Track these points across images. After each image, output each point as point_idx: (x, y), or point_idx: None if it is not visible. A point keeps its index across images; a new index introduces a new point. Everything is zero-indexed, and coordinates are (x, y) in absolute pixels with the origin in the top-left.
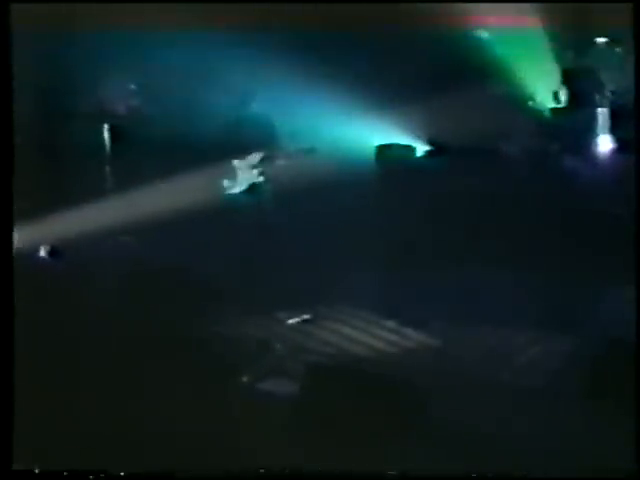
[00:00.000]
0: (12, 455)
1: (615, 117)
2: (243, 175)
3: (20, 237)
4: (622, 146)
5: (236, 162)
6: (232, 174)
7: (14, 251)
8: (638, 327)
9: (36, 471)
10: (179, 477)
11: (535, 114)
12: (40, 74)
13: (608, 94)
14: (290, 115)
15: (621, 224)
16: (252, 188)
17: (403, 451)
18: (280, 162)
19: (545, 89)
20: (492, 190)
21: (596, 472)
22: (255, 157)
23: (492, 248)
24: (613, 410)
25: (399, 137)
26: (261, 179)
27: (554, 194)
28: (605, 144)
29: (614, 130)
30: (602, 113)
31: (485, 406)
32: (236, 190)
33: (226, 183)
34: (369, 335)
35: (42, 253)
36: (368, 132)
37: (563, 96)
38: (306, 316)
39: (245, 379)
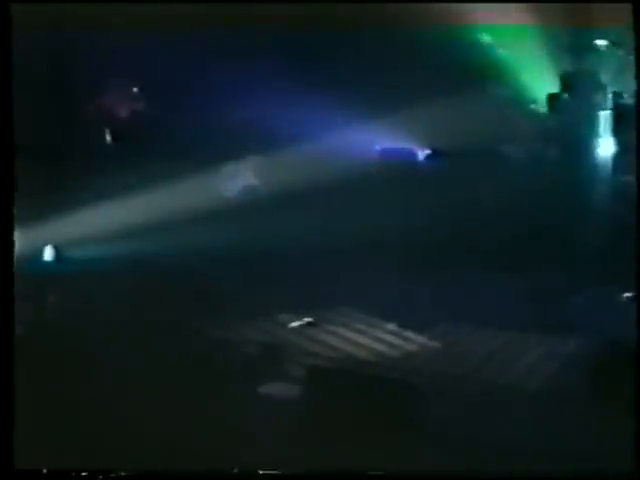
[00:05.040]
0: (14, 455)
1: (616, 119)
2: (244, 177)
3: (21, 240)
4: (623, 148)
5: (237, 164)
6: (233, 176)
7: (15, 254)
8: (638, 328)
9: (38, 471)
10: (179, 478)
11: (536, 117)
12: (41, 75)
13: (609, 96)
14: (290, 118)
15: (621, 226)
16: (253, 191)
17: (405, 452)
18: (281, 165)
19: (546, 92)
20: (493, 193)
21: (596, 472)
22: (256, 159)
23: (493, 251)
24: (613, 411)
25: (400, 140)
26: (262, 182)
27: (555, 196)
28: (606, 146)
29: (615, 132)
30: (603, 115)
31: (486, 407)
32: (237, 193)
33: (227, 185)
34: (371, 337)
35: (43, 255)
36: (369, 135)
37: (564, 98)
38: (308, 319)
39: (247, 382)
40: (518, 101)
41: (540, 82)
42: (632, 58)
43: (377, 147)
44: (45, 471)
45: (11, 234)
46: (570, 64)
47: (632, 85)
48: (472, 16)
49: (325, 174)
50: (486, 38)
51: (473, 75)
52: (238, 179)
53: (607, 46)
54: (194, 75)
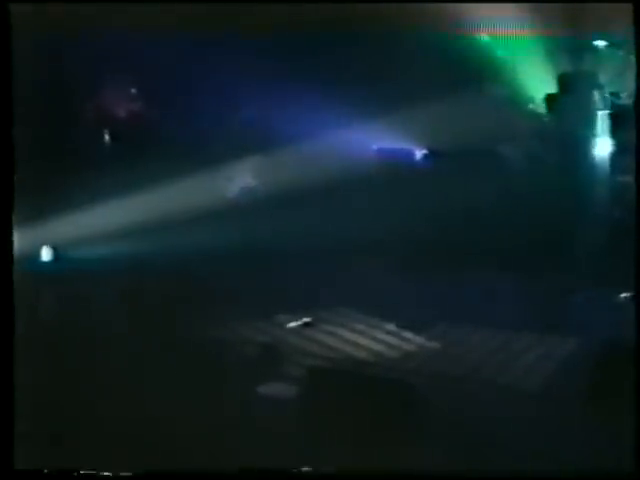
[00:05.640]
0: (13, 455)
1: (615, 119)
2: (242, 178)
3: (20, 239)
4: (622, 148)
5: (235, 164)
6: (231, 177)
7: (14, 253)
8: (638, 328)
9: (38, 471)
10: (179, 478)
11: (534, 117)
12: (40, 76)
13: (608, 96)
14: (288, 118)
15: (621, 226)
16: (251, 191)
17: (404, 452)
18: (278, 165)
19: (544, 92)
20: (492, 193)
21: (596, 472)
22: (254, 160)
23: (492, 251)
24: (613, 411)
25: (397, 140)
26: (260, 182)
27: (553, 196)
28: (605, 147)
29: (614, 133)
30: (601, 116)
31: (485, 407)
32: (235, 193)
33: (225, 186)
34: (369, 338)
35: (43, 255)
36: (366, 135)
37: (562, 99)
38: (306, 319)
39: (246, 382)
40: (516, 101)
41: (538, 82)
42: (631, 58)
43: (374, 147)
44: (45, 471)
45: (10, 234)
46: (569, 64)
47: (631, 85)
48: (471, 16)
49: (322, 174)
50: (484, 38)
51: (471, 75)
52: (236, 179)
53: (606, 46)
54: (193, 75)
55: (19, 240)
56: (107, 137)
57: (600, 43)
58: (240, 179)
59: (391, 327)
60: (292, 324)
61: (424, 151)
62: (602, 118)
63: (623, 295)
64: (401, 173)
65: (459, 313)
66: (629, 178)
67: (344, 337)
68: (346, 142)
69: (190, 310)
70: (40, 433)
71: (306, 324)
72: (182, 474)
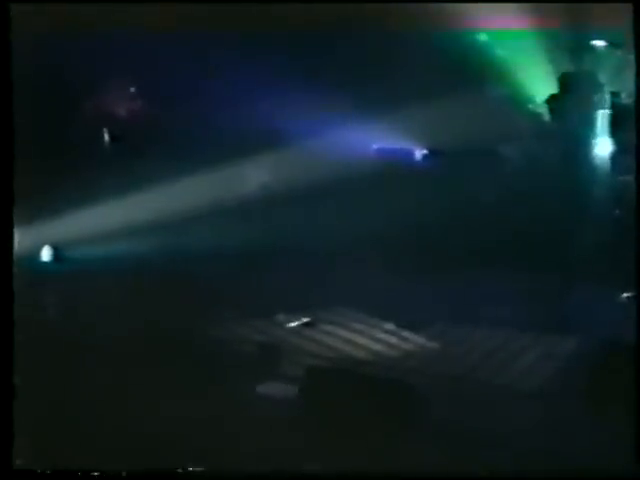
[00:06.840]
0: (13, 454)
1: (615, 119)
2: (240, 178)
3: (21, 239)
4: (622, 148)
5: (234, 164)
6: (229, 176)
7: (14, 253)
8: (638, 328)
9: (37, 471)
10: (179, 478)
11: (534, 117)
12: (41, 75)
13: (608, 96)
14: (288, 117)
15: (621, 226)
16: (250, 191)
17: (403, 452)
18: (277, 165)
19: (544, 91)
20: (491, 193)
21: (596, 472)
22: (252, 159)
23: (491, 251)
24: (613, 411)
25: (397, 140)
26: (259, 182)
27: (553, 196)
28: (605, 146)
29: (614, 132)
30: (602, 115)
31: (485, 407)
32: (233, 193)
33: (223, 186)
34: (368, 338)
35: (43, 255)
36: (366, 135)
37: (562, 99)
38: (306, 319)
39: (245, 382)
40: (516, 101)
41: (538, 82)
42: (631, 58)
43: (374, 147)
44: (44, 471)
45: (11, 234)
46: (569, 64)
47: (631, 85)
48: (470, 16)
49: (322, 174)
50: (484, 38)
51: (471, 75)
52: (234, 179)
53: (606, 46)
54: (193, 75)
55: (19, 240)
56: (107, 137)
57: (600, 43)
58: (238, 179)
59: (390, 326)
60: (291, 324)
61: (424, 151)
62: (602, 118)
63: (623, 295)
64: (401, 173)
65: (459, 312)
66: (629, 178)
67: (343, 337)
68: (346, 142)
69: (190, 310)
70: (40, 433)
71: (305, 324)
72: (181, 474)
